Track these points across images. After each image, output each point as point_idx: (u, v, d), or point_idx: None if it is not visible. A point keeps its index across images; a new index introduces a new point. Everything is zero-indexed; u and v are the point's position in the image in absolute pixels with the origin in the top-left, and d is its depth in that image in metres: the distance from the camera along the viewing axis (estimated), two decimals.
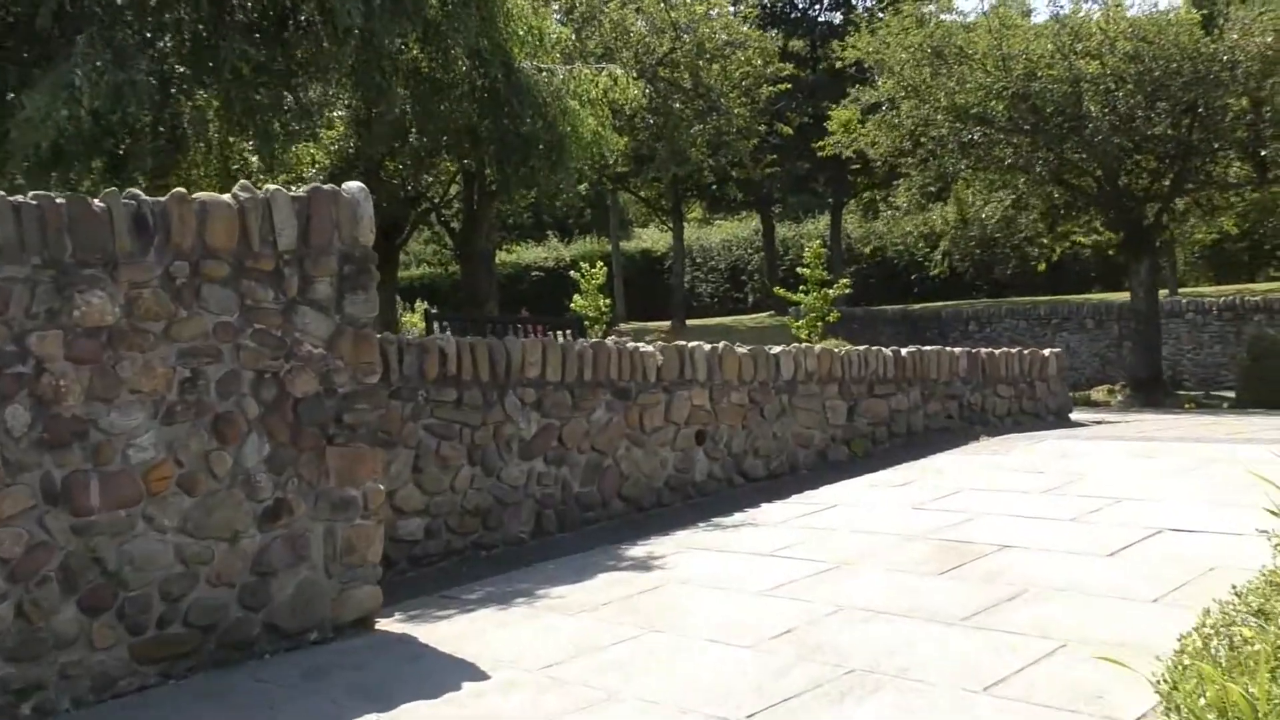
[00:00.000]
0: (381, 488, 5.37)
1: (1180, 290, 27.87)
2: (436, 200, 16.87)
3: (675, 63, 22.45)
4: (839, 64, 21.74)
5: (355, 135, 12.67)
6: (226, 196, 4.93)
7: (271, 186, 5.06)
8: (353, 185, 5.34)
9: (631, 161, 21.53)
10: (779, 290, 20.82)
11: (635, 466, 7.62)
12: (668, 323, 33.90)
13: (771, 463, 8.54)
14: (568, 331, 11.69)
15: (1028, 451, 8.88)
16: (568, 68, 10.95)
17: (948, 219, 19.66)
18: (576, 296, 22.56)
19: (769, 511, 7.41)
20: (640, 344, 7.78)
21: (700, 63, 22.43)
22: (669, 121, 21.38)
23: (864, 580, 5.49)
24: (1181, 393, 17.96)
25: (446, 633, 5.22)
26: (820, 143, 19.92)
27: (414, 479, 6.52)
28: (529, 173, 10.01)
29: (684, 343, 8.08)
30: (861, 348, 9.42)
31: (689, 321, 33.37)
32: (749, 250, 40.35)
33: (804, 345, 8.90)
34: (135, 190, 4.74)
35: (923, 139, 17.28)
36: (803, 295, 20.44)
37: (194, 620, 4.76)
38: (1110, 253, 20.37)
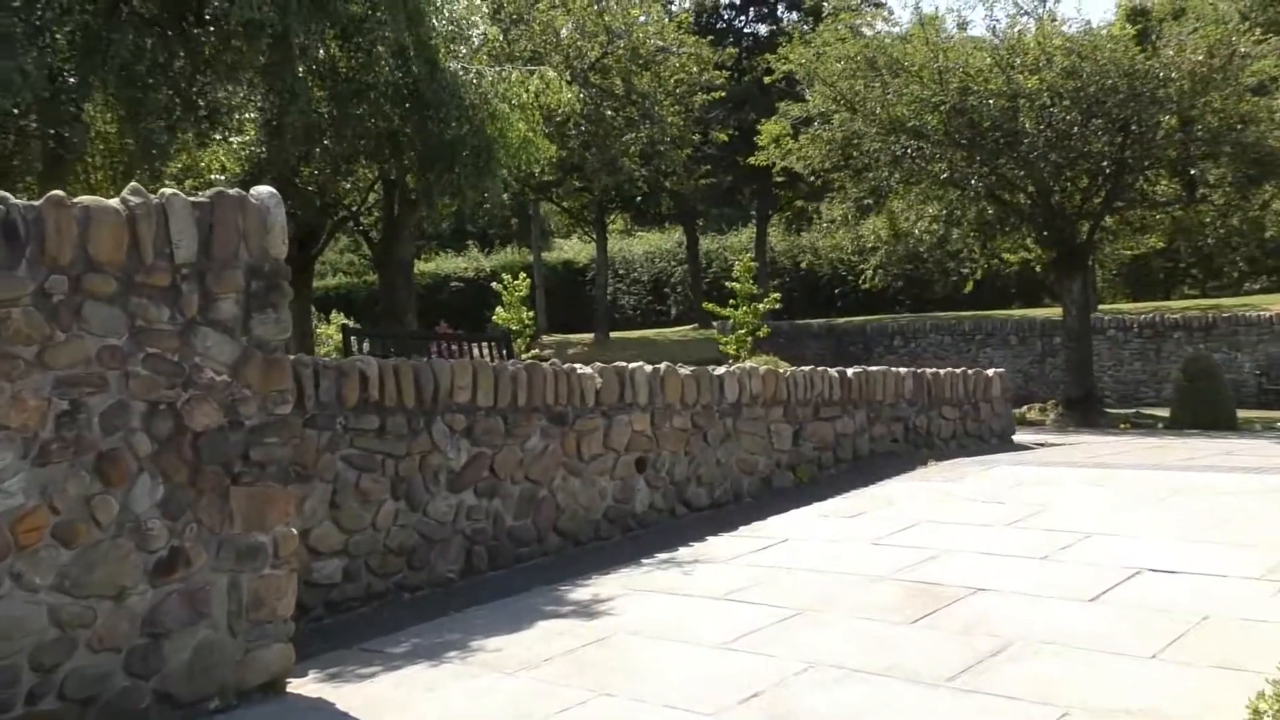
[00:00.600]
0: (294, 532, 4.75)
1: (1100, 307, 28.05)
2: (355, 208, 16.12)
3: (607, 68, 21.80)
4: (767, 78, 21.39)
5: (268, 139, 11.92)
6: (114, 202, 4.28)
7: (168, 191, 4.43)
8: (262, 190, 4.72)
9: (557, 170, 20.92)
10: (708, 305, 20.42)
11: (572, 498, 7.07)
12: (590, 335, 33.38)
13: (715, 491, 8.04)
14: (494, 346, 11.09)
15: (980, 479, 8.51)
16: (497, 69, 10.36)
17: (880, 234, 19.38)
18: (499, 309, 21.94)
19: (717, 546, 6.91)
20: (578, 365, 7.23)
21: (633, 68, 21.82)
22: (600, 129, 20.71)
23: (831, 630, 4.99)
24: (1113, 411, 17.88)
25: (368, 696, 4.61)
26: (751, 157, 19.53)
27: (331, 516, 5.89)
28: (454, 180, 9.40)
29: (624, 364, 7.55)
30: (807, 368, 8.98)
31: (612, 334, 32.89)
32: (672, 262, 40.02)
33: (749, 366, 8.44)
34: (2, 193, 4.08)
35: (854, 153, 16.98)
36: (732, 310, 20.08)
37: (71, 693, 4.09)
38: (1038, 270, 20.26)
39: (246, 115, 12.19)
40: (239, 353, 4.56)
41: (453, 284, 40.85)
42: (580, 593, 6.00)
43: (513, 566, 6.68)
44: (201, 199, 4.51)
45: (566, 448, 7.03)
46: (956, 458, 9.64)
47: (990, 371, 10.98)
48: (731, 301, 20.20)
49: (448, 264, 42.60)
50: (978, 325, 26.42)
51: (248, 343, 4.59)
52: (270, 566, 4.62)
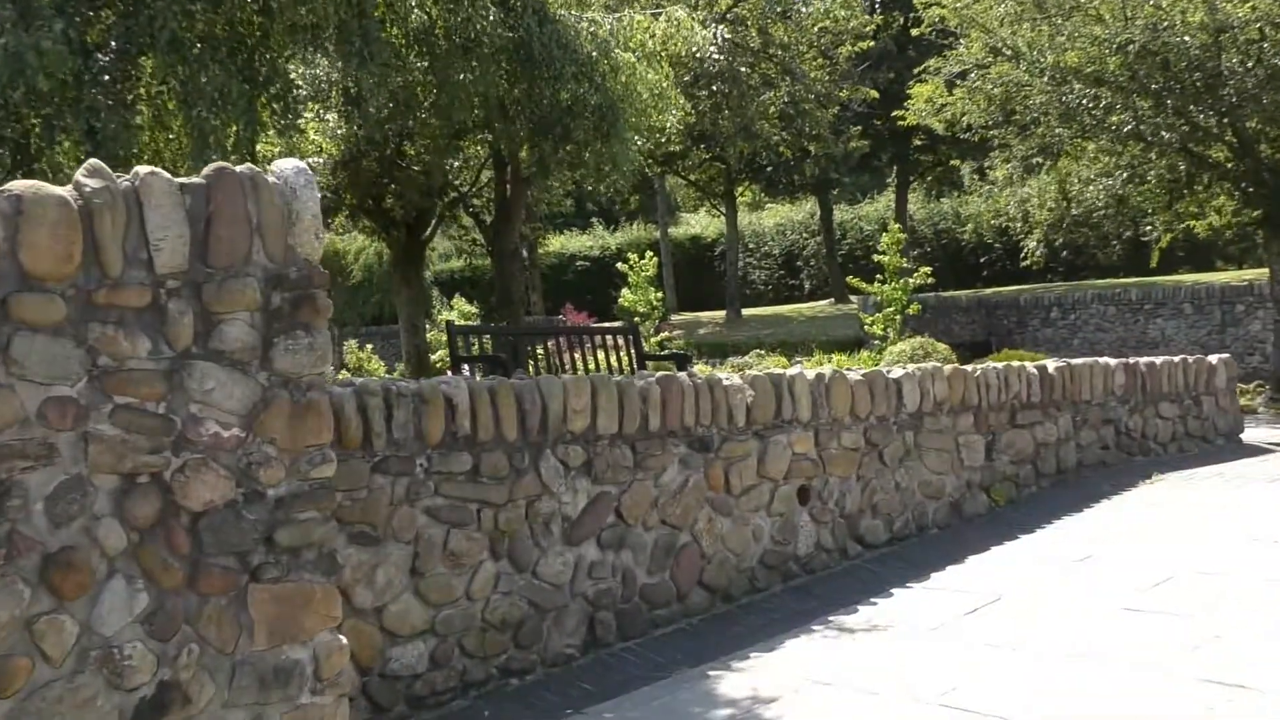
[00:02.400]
0: (343, 640, 3.41)
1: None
2: (466, 189, 14.84)
3: (740, 18, 19.78)
4: (914, 29, 19.40)
5: (358, 116, 10.68)
6: (62, 190, 2.97)
7: (143, 170, 3.10)
8: (285, 165, 3.37)
9: (685, 139, 19.15)
10: (853, 280, 18.77)
11: (720, 542, 5.62)
12: (721, 313, 31.90)
13: (895, 523, 6.50)
14: (622, 338, 9.65)
15: (1230, 500, 6.78)
16: (616, 15, 8.86)
17: (1045, 197, 17.34)
18: (625, 290, 20.62)
19: (908, 605, 5.38)
20: (724, 375, 5.75)
21: (770, 17, 19.68)
22: (734, 88, 18.68)
23: None
24: None
25: None
26: (897, 115, 17.64)
27: (413, 586, 4.55)
28: (574, 149, 7.98)
29: (779, 370, 6.06)
30: (1000, 365, 7.34)
31: (743, 311, 31.39)
32: (804, 234, 38.24)
33: (931, 366, 6.85)
34: None
35: (1018, 107, 15.04)
36: (879, 285, 18.43)
37: None
38: (1227, 231, 17.97)
39: (338, 91, 10.99)
40: (256, 395, 3.22)
41: (578, 263, 39.86)
42: (737, 682, 4.55)
43: (648, 635, 5.27)
44: (194, 180, 3.17)
45: (712, 480, 5.58)
46: (1184, 468, 7.91)
47: (1214, 358, 9.15)
48: (879, 277, 18.54)
49: (572, 243, 41.52)
50: (1146, 294, 23.99)
51: (269, 380, 3.25)
52: (310, 692, 3.30)
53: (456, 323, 13.76)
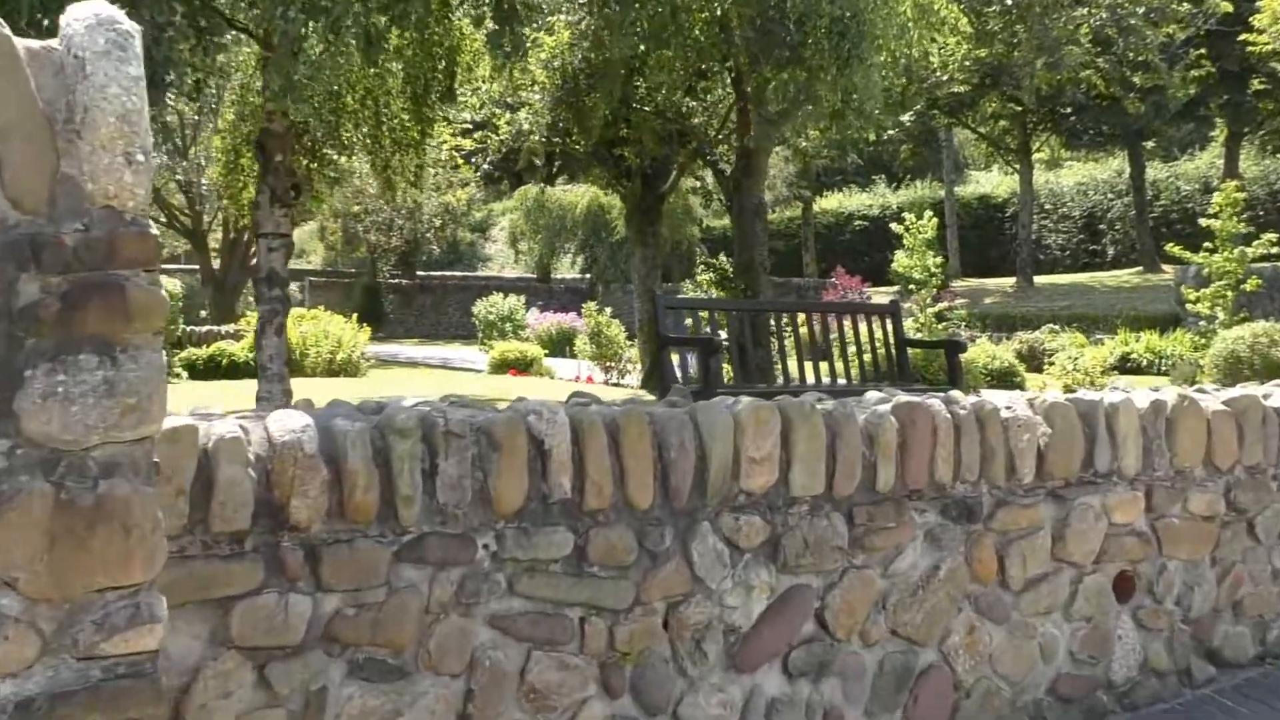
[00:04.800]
0: None
1: None
2: (713, 134, 12.89)
3: None
4: None
5: (585, 42, 9.03)
6: None
7: None
8: (75, 12, 1.64)
9: (972, 77, 16.31)
10: (1173, 248, 15.82)
11: (987, 664, 3.61)
12: (1010, 280, 28.96)
13: (1269, 631, 4.27)
14: (880, 320, 7.58)
15: None
16: None
17: None
18: (899, 254, 18.53)
19: None
20: (1002, 405, 3.68)
21: None
22: (1036, 2, 15.21)
23: None
24: None
25: None
26: (1246, 36, 14.37)
27: None
28: (806, 78, 6.00)
29: (1092, 395, 3.93)
30: None
31: (1035, 279, 28.31)
32: (1109, 195, 34.41)
33: None
34: None
35: None
36: (1207, 255, 15.48)
37: None
38: None
39: (562, 16, 9.39)
40: None
41: (855, 223, 37.71)
42: None
43: None
44: None
45: (977, 566, 3.57)
46: None
47: None
48: (1206, 245, 15.52)
49: (850, 201, 39.24)
50: None
51: (8, 458, 1.55)
52: None
53: (685, 294, 12.06)
